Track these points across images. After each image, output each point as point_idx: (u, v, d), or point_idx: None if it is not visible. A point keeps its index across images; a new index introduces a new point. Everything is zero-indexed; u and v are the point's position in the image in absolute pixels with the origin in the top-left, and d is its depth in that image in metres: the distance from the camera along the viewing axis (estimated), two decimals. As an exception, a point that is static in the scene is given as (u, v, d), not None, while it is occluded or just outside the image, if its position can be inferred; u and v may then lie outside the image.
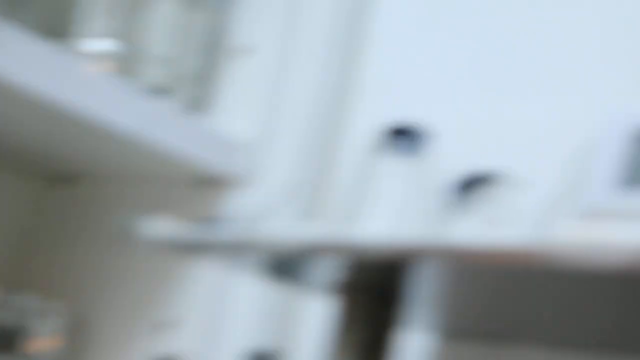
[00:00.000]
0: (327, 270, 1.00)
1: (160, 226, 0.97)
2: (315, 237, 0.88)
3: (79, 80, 1.23)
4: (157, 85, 1.43)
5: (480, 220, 0.85)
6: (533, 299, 0.94)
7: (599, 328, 1.01)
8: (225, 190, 1.46)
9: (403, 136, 1.11)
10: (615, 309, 0.90)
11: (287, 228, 0.89)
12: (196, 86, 1.49)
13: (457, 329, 1.20)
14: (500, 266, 0.78)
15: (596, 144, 0.79)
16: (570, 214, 0.82)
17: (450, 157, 1.20)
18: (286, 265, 1.05)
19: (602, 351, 1.10)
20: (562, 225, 0.72)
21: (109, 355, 1.49)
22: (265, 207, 1.02)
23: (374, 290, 1.01)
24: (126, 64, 1.40)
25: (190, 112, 1.47)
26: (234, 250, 0.95)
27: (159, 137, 1.34)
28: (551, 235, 0.72)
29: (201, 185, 1.48)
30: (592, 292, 0.84)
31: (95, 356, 1.50)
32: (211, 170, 1.43)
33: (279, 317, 1.38)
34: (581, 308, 0.95)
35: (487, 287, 0.91)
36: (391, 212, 1.08)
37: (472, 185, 1.07)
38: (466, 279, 0.90)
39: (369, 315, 1.03)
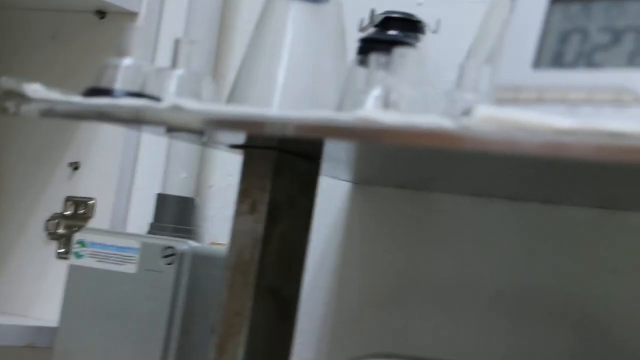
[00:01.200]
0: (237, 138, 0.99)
1: (50, 94, 0.93)
2: (229, 114, 0.85)
3: None
4: None
5: (394, 83, 0.84)
6: (450, 168, 0.96)
7: (516, 186, 1.05)
8: (123, 22, 1.42)
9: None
10: (533, 179, 0.93)
11: (194, 106, 0.86)
12: None
13: (375, 179, 1.22)
14: (417, 147, 0.77)
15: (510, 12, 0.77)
16: (483, 92, 0.81)
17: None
18: (195, 134, 1.04)
19: (525, 199, 1.14)
20: (477, 107, 0.71)
21: (24, 197, 1.48)
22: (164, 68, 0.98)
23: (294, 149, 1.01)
24: None
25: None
26: (134, 122, 0.93)
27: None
28: (467, 119, 0.72)
29: (98, 18, 1.44)
30: (509, 168, 0.85)
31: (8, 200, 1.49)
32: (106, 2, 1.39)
33: (192, 163, 1.37)
34: (499, 178, 0.98)
35: (404, 158, 0.92)
36: (300, 63, 1.05)
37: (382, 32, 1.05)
38: (383, 152, 0.90)
39: (286, 166, 1.03)
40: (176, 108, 0.87)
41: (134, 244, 1.25)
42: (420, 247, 1.21)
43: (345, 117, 0.78)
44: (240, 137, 0.98)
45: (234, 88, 1.08)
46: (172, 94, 0.94)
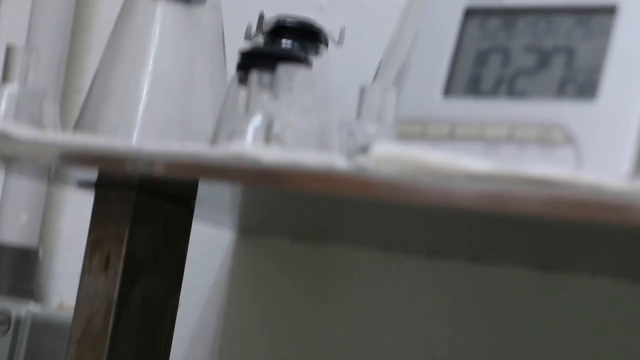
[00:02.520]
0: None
1: None
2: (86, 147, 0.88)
3: None
4: None
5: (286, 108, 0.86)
6: (353, 217, 0.98)
7: (437, 241, 1.08)
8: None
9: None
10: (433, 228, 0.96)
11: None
12: None
13: (264, 227, 1.24)
14: (305, 192, 0.80)
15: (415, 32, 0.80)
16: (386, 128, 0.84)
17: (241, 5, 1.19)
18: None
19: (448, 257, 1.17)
20: (376, 144, 0.74)
21: None
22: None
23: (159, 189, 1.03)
24: None
25: None
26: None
27: None
28: (363, 158, 0.74)
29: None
30: (426, 219, 0.88)
31: None
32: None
33: (36, 203, 1.37)
34: (415, 230, 1.01)
35: (296, 203, 0.94)
36: (168, 78, 1.07)
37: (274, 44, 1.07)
38: (269, 195, 0.92)
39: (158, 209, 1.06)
40: (3, 136, 0.88)
41: (-42, 306, 1.25)
42: (319, 312, 1.22)
43: (218, 153, 0.81)
44: (91, 174, 0.99)
45: (85, 108, 1.09)
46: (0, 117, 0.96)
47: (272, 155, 0.79)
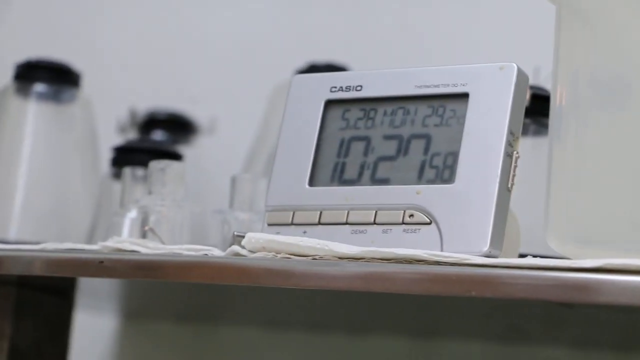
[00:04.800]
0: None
1: None
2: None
3: None
4: None
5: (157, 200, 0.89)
6: (233, 297, 1.01)
7: (316, 314, 1.11)
8: None
9: (43, 76, 1.11)
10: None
11: None
12: None
13: (148, 311, 1.26)
14: (183, 282, 0.83)
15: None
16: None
17: (112, 99, 1.22)
18: None
19: (328, 329, 1.20)
20: (249, 234, 0.78)
21: None
22: None
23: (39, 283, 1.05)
24: None
25: None
26: None
27: None
28: (238, 247, 0.78)
29: None
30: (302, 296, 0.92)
31: None
32: None
33: None
34: (293, 305, 1.04)
35: (177, 288, 0.97)
36: (42, 176, 1.10)
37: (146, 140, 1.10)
38: (150, 283, 0.95)
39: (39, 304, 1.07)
40: None
41: None
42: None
43: (95, 249, 0.84)
44: (-31, 273, 1.01)
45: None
46: None
47: (148, 248, 0.82)
